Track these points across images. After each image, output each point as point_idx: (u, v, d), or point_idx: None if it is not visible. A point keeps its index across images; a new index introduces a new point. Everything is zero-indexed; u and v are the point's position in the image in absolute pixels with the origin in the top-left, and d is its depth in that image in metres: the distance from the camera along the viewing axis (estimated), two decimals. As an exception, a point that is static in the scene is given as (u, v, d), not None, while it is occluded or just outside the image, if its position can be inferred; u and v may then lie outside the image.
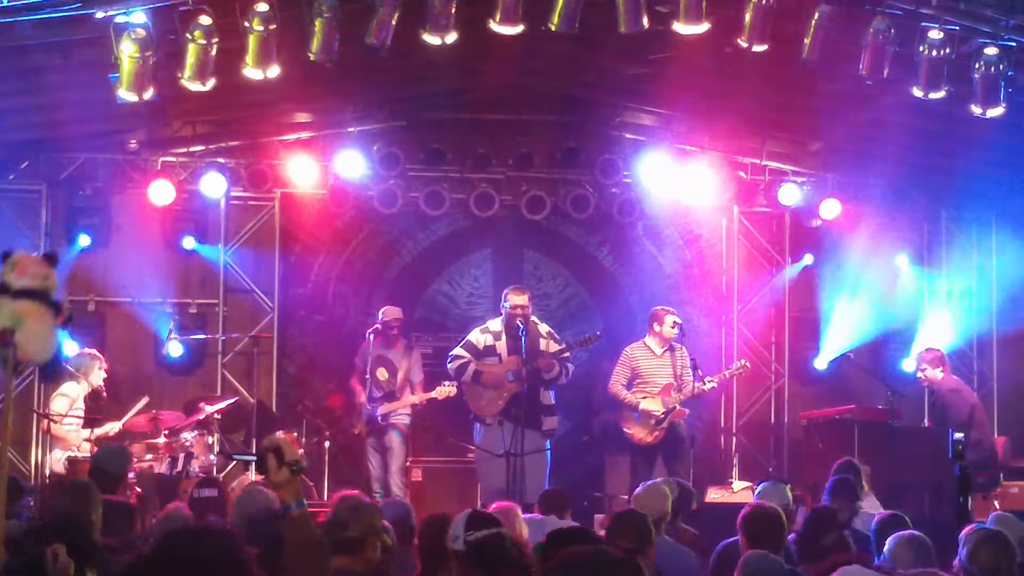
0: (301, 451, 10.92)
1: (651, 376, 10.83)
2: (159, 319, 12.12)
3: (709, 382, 10.73)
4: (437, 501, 11.06)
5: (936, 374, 11.16)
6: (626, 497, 8.46)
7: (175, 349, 11.91)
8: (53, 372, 4.93)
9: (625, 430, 10.81)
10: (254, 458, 4.20)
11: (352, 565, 4.90)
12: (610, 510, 10.27)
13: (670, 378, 10.79)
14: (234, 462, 11.27)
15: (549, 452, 10.34)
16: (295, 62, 9.16)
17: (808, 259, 12.91)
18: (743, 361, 11.55)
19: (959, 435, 8.69)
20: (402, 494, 10.79)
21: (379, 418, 11.04)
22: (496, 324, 10.51)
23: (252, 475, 10.21)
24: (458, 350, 10.49)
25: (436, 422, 11.40)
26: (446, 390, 10.81)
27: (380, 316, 11.25)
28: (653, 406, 10.69)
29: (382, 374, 11.13)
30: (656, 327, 10.90)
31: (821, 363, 12.76)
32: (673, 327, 10.82)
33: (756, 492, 7.91)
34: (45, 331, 4.57)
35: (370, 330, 11.18)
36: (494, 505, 6.49)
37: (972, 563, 5.04)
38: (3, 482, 4.41)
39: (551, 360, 10.26)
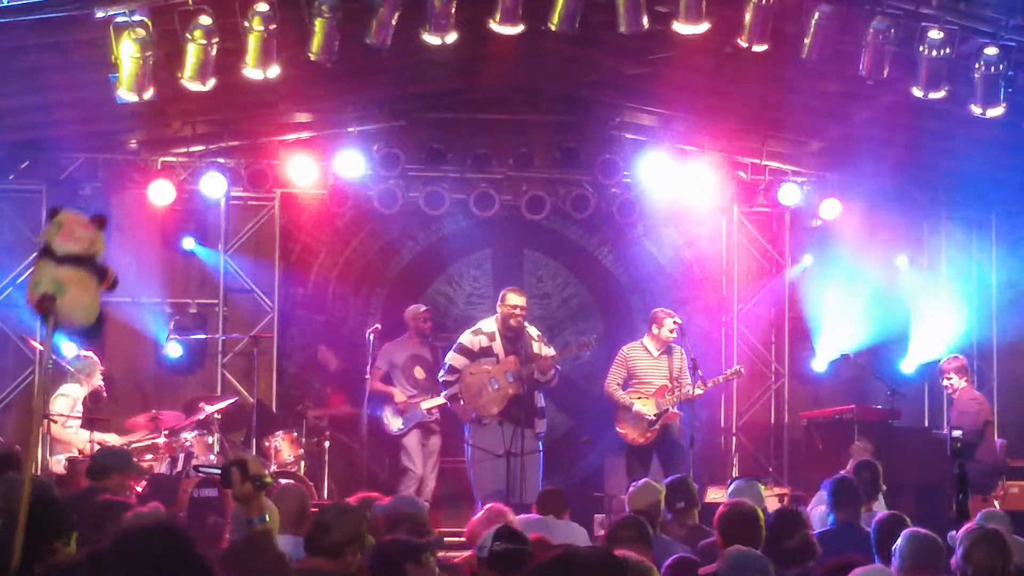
0: (301, 451, 11.04)
1: (647, 377, 10.81)
2: (158, 319, 12.12)
3: (697, 388, 10.65)
4: (436, 500, 11.08)
5: (961, 383, 11.14)
6: (624, 497, 8.43)
7: (174, 349, 11.91)
8: (94, 336, 4.95)
9: (618, 430, 10.81)
10: (219, 472, 4.18)
11: (326, 567, 4.86)
12: (609, 510, 10.27)
13: (666, 380, 10.77)
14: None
15: (541, 453, 10.37)
16: (295, 62, 9.17)
17: (808, 260, 12.91)
18: (738, 366, 11.55)
19: (957, 432, 8.67)
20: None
21: (426, 415, 11.05)
22: (489, 325, 10.47)
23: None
24: (453, 357, 10.48)
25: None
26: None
27: (409, 314, 11.33)
28: (646, 408, 10.68)
29: (419, 373, 11.16)
30: (655, 329, 10.88)
31: (819, 365, 12.76)
32: (672, 331, 10.80)
33: (729, 490, 7.70)
34: (87, 298, 4.63)
35: (370, 330, 11.17)
36: (487, 506, 6.51)
37: (967, 563, 5.02)
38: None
39: (551, 363, 10.30)
